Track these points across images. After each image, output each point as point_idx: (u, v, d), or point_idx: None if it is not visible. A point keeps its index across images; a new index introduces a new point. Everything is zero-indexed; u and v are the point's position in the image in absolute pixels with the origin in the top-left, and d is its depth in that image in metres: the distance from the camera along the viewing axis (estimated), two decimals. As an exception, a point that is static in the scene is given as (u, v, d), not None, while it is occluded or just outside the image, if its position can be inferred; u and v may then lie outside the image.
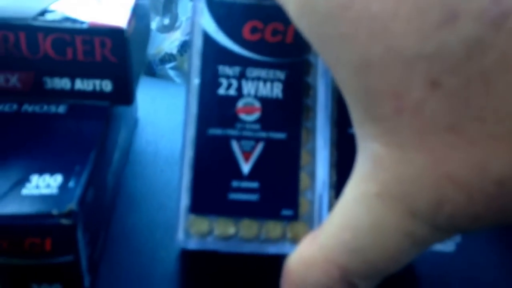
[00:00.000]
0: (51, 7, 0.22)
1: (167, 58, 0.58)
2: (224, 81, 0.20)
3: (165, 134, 0.31)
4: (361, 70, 0.14)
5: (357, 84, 0.14)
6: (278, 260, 0.20)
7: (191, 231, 0.18)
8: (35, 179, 0.19)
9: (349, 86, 0.15)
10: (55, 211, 0.17)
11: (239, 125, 0.19)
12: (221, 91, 0.20)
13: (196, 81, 0.20)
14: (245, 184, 0.19)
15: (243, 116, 0.19)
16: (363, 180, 0.15)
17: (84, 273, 0.19)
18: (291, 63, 0.20)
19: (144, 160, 0.29)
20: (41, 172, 0.19)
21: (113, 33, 0.21)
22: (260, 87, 0.20)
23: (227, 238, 0.19)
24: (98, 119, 0.23)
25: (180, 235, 0.18)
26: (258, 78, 0.20)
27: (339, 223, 0.16)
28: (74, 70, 0.22)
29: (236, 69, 0.20)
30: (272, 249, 0.19)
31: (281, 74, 0.20)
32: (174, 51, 0.58)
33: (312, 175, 0.19)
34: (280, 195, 0.19)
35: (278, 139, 0.19)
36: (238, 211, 0.19)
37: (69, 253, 0.18)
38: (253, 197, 0.19)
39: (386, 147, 0.14)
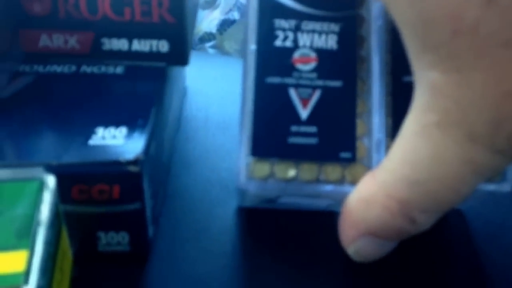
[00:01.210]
0: (109, -32, 0.22)
1: (206, 37, 0.58)
2: (280, 34, 0.20)
3: (214, 102, 0.31)
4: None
5: (415, 14, 0.14)
6: (332, 216, 0.21)
7: (252, 175, 0.19)
8: (100, 131, 0.19)
9: (406, 19, 0.15)
10: (122, 159, 0.18)
11: (296, 74, 0.20)
12: (278, 42, 0.20)
13: (253, 36, 0.20)
14: (304, 129, 0.19)
15: (299, 66, 0.20)
16: (422, 111, 0.15)
17: (149, 223, 0.20)
18: (345, 17, 0.20)
19: (195, 126, 0.29)
20: (106, 124, 0.20)
21: (170, -8, 0.22)
22: (315, 39, 0.20)
23: (287, 181, 0.19)
24: (155, 80, 0.23)
25: (242, 178, 0.19)
26: (313, 31, 0.20)
27: (398, 158, 0.16)
28: (132, 31, 0.23)
29: (292, 22, 0.20)
30: (330, 190, 0.19)
31: (335, 27, 0.20)
32: (214, 30, 0.58)
33: (368, 122, 0.19)
34: (338, 139, 0.19)
35: (334, 87, 0.20)
36: (297, 154, 0.19)
37: (136, 200, 0.19)
38: (312, 140, 0.19)
39: (444, 73, 0.14)
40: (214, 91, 0.33)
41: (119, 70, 0.23)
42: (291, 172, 0.19)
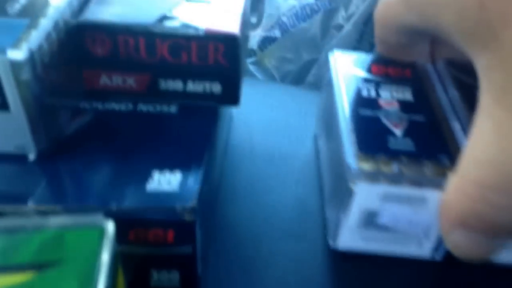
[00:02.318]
0: (170, 13, 0.23)
1: (248, 53, 0.59)
2: (364, 90, 0.25)
3: (258, 130, 0.32)
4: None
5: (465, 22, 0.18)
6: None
7: (360, 169, 0.20)
8: (156, 175, 0.20)
9: (460, 28, 0.19)
10: (179, 207, 0.19)
11: (384, 111, 0.23)
12: (364, 94, 0.24)
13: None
14: (400, 140, 0.22)
15: (386, 106, 0.24)
16: (485, 103, 0.18)
17: (199, 262, 0.21)
18: (415, 82, 0.26)
19: (241, 155, 0.30)
20: (161, 168, 0.21)
21: (227, 39, 0.22)
22: (394, 94, 0.24)
23: (391, 180, 0.20)
24: (207, 119, 0.24)
25: (352, 174, 0.20)
26: (390, 89, 0.25)
27: (470, 145, 0.18)
28: (187, 73, 0.23)
29: (371, 84, 0.25)
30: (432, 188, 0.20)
31: (408, 89, 0.25)
32: (255, 46, 0.59)
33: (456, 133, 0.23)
34: (434, 145, 0.22)
35: (418, 120, 0.23)
36: (399, 153, 0.21)
37: (188, 244, 0.20)
38: (410, 147, 0.21)
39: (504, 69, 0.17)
40: (257, 119, 0.33)
41: (173, 109, 0.24)
42: (394, 167, 0.20)
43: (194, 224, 0.19)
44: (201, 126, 0.24)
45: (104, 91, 0.24)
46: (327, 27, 0.51)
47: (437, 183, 0.20)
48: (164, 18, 0.23)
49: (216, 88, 0.24)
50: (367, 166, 0.20)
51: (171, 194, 0.20)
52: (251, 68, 0.59)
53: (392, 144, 0.21)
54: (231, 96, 0.24)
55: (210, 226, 0.24)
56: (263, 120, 0.33)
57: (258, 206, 0.26)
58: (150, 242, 0.19)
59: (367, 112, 0.23)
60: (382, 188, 0.20)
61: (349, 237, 0.22)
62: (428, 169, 0.20)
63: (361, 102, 0.24)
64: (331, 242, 0.23)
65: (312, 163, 0.29)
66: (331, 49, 0.49)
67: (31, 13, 0.20)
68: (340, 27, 0.50)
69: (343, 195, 0.21)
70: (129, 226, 0.19)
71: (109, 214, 0.18)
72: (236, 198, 0.27)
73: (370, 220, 0.21)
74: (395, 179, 0.20)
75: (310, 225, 0.26)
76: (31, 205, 0.19)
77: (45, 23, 0.20)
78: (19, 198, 0.19)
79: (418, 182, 0.20)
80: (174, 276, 0.21)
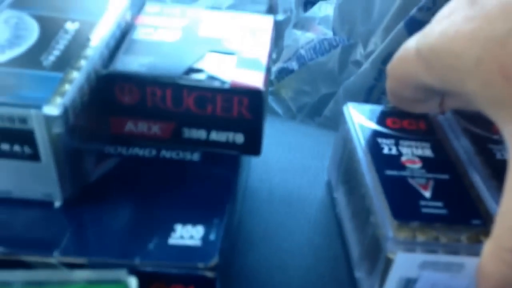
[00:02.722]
0: (196, 65, 0.23)
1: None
2: (385, 147, 0.25)
3: (277, 172, 0.32)
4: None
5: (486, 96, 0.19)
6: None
7: (397, 237, 0.21)
8: (179, 229, 0.21)
9: (484, 100, 0.19)
10: (201, 265, 0.19)
11: (408, 170, 0.24)
12: (385, 151, 0.25)
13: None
14: (431, 203, 0.22)
15: (409, 165, 0.24)
16: None
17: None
18: (431, 135, 0.26)
19: (260, 198, 0.30)
20: (184, 222, 0.21)
21: (251, 93, 0.23)
22: (414, 150, 0.25)
23: (429, 246, 0.20)
24: (229, 168, 0.24)
25: (389, 244, 0.21)
26: (409, 146, 0.25)
27: (502, 212, 0.18)
28: (211, 123, 0.24)
29: (392, 141, 0.26)
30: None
31: (426, 144, 0.25)
32: (272, 76, 0.59)
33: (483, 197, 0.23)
34: (465, 209, 0.22)
35: (443, 178, 0.23)
36: (433, 219, 0.21)
37: (208, 300, 0.20)
38: (442, 211, 0.22)
39: None
40: (275, 159, 0.34)
41: (196, 156, 0.25)
42: (430, 235, 0.20)
43: (215, 281, 0.19)
44: (223, 172, 0.24)
45: (129, 137, 0.25)
46: (345, 62, 0.52)
47: (473, 249, 0.20)
48: (190, 70, 0.23)
49: (239, 138, 0.24)
50: (403, 235, 0.21)
51: (193, 249, 0.20)
52: (269, 98, 0.59)
53: (424, 208, 0.22)
54: (253, 146, 0.25)
55: (228, 275, 0.24)
56: (281, 161, 0.34)
57: (276, 254, 0.27)
58: (171, 296, 0.20)
59: (393, 172, 0.23)
60: (420, 257, 0.20)
61: None
62: (463, 235, 0.21)
63: (385, 161, 0.24)
64: None
65: (327, 210, 0.29)
66: (349, 84, 0.50)
67: (65, 65, 0.21)
68: (358, 63, 0.51)
69: (379, 262, 0.21)
70: (150, 280, 0.19)
71: (132, 268, 0.19)
72: (253, 244, 0.27)
73: (407, 286, 0.21)
74: (432, 247, 0.20)
75: (328, 276, 0.26)
76: (56, 256, 0.19)
77: (78, 77, 0.20)
78: (45, 249, 0.19)
79: (454, 250, 0.20)
80: (192, 328, 0.21)
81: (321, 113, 0.54)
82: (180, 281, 0.19)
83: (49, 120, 0.19)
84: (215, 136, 0.24)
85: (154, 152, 0.25)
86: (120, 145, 0.25)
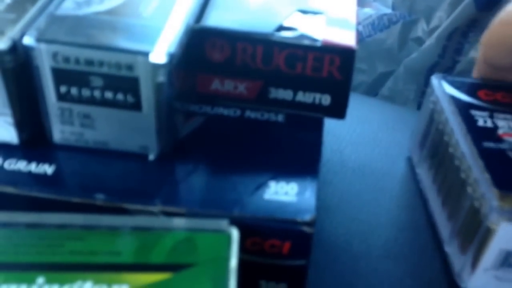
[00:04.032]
0: (288, 24, 0.23)
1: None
2: (480, 119, 0.25)
3: (348, 144, 0.32)
4: None
5: None
6: None
7: (502, 207, 0.20)
8: (273, 185, 0.20)
9: None
10: (299, 219, 0.19)
11: (506, 143, 0.23)
12: (480, 123, 0.24)
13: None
14: None
15: (507, 138, 0.24)
16: None
17: (307, 276, 0.21)
18: None
19: (332, 170, 0.30)
20: (277, 179, 0.21)
21: (344, 52, 0.22)
22: (510, 122, 0.24)
23: None
24: (314, 130, 0.24)
25: (493, 214, 0.20)
26: (505, 119, 0.25)
27: None
28: (299, 83, 0.23)
29: (486, 113, 0.25)
30: None
31: None
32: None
33: None
34: None
35: None
36: None
37: (303, 257, 0.20)
38: None
39: None
40: (346, 132, 0.33)
41: (280, 117, 0.24)
42: None
43: (311, 237, 0.19)
44: (308, 136, 0.24)
45: (214, 96, 0.24)
46: (405, 39, 0.51)
47: None
48: (281, 28, 0.23)
49: (326, 100, 0.24)
50: (507, 205, 0.20)
51: (289, 205, 0.20)
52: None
53: None
54: (339, 109, 0.24)
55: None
56: (351, 133, 0.33)
57: (354, 223, 0.26)
58: (266, 252, 0.20)
59: (490, 144, 0.23)
60: None
61: (483, 277, 0.21)
62: None
63: (481, 133, 0.24)
64: (459, 281, 0.22)
65: (409, 186, 0.29)
66: (410, 62, 0.48)
67: (164, 17, 0.21)
68: (419, 40, 0.49)
69: (477, 235, 0.21)
70: (247, 234, 0.19)
71: (231, 222, 0.19)
72: (330, 211, 0.27)
73: (506, 260, 0.21)
74: None
75: (411, 248, 0.25)
76: (158, 205, 0.19)
77: (179, 28, 0.20)
78: (146, 198, 0.19)
79: None
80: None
81: (377, 92, 0.53)
82: (276, 236, 0.19)
83: (155, 68, 0.18)
84: (301, 97, 0.24)
85: (238, 112, 0.25)
86: (205, 104, 0.25)
